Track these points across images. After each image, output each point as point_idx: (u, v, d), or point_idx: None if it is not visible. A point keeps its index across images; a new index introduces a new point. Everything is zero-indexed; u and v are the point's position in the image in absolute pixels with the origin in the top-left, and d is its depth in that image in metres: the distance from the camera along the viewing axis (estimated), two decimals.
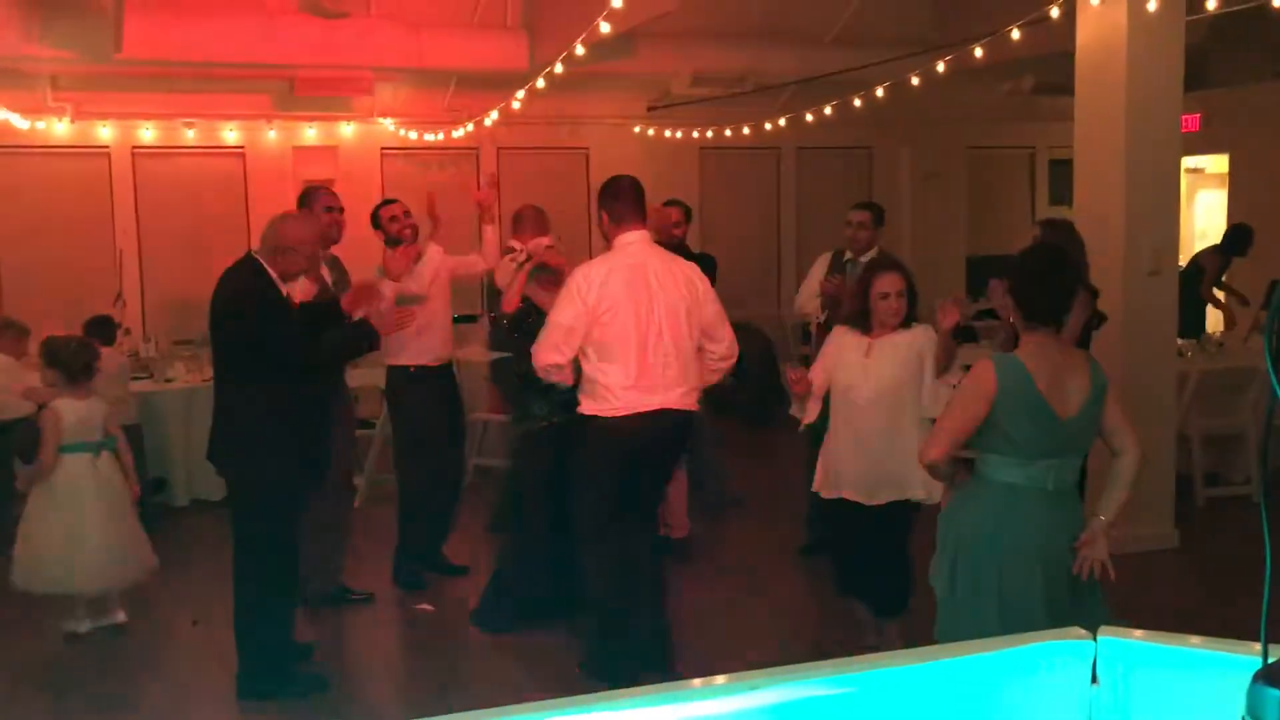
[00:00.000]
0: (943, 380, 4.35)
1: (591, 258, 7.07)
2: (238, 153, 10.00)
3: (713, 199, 11.28)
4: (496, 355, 6.76)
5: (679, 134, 10.99)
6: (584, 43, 6.67)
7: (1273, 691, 1.10)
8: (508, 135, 10.44)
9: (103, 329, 6.99)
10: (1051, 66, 8.06)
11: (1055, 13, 6.22)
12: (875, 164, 12.33)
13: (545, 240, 5.71)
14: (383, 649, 5.33)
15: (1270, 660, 1.15)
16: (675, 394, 4.48)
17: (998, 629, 3.14)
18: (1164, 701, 1.51)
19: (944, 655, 1.53)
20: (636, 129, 11.07)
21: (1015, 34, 6.68)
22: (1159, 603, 5.58)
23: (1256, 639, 1.18)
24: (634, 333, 4.41)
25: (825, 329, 5.43)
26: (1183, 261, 8.06)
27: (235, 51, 8.42)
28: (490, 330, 7.10)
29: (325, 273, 5.40)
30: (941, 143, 12.08)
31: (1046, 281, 3.43)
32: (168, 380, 7.72)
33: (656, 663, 4.56)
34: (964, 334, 4.31)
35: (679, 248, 5.98)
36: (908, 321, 4.42)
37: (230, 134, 9.95)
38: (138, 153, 9.77)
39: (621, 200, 4.61)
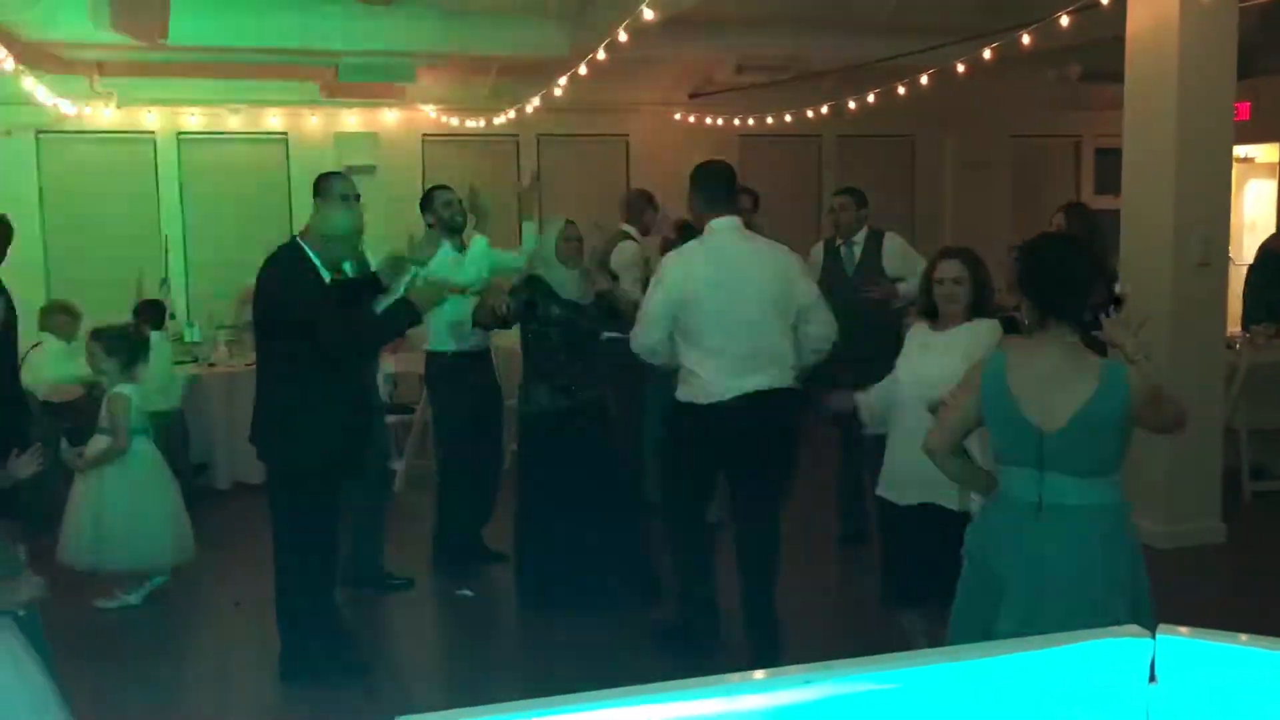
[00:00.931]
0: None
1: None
2: (281, 138, 10.06)
3: (752, 187, 11.20)
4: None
5: (719, 121, 10.93)
6: (626, 29, 6.64)
7: None
8: (549, 122, 10.42)
9: (153, 312, 7.09)
10: (1099, 53, 7.94)
11: None
12: (917, 153, 12.21)
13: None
14: (422, 634, 5.35)
15: None
16: (767, 376, 4.44)
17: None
18: (1224, 701, 1.48)
19: (995, 652, 1.51)
20: (677, 116, 11.02)
21: (1064, 20, 6.58)
22: (1207, 599, 5.51)
23: None
24: (722, 318, 4.41)
25: None
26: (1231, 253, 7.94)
27: (278, 38, 8.47)
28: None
29: None
30: (985, 131, 11.94)
31: (1057, 273, 3.08)
32: (211, 364, 7.79)
33: (764, 656, 4.57)
34: (1008, 324, 4.16)
35: None
36: (978, 313, 4.10)
37: (273, 120, 10.00)
38: (183, 139, 9.85)
39: (713, 185, 4.59)
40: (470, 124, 10.30)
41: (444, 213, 5.86)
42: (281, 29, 8.42)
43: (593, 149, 10.99)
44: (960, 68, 7.96)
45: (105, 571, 5.32)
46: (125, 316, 6.78)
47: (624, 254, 6.58)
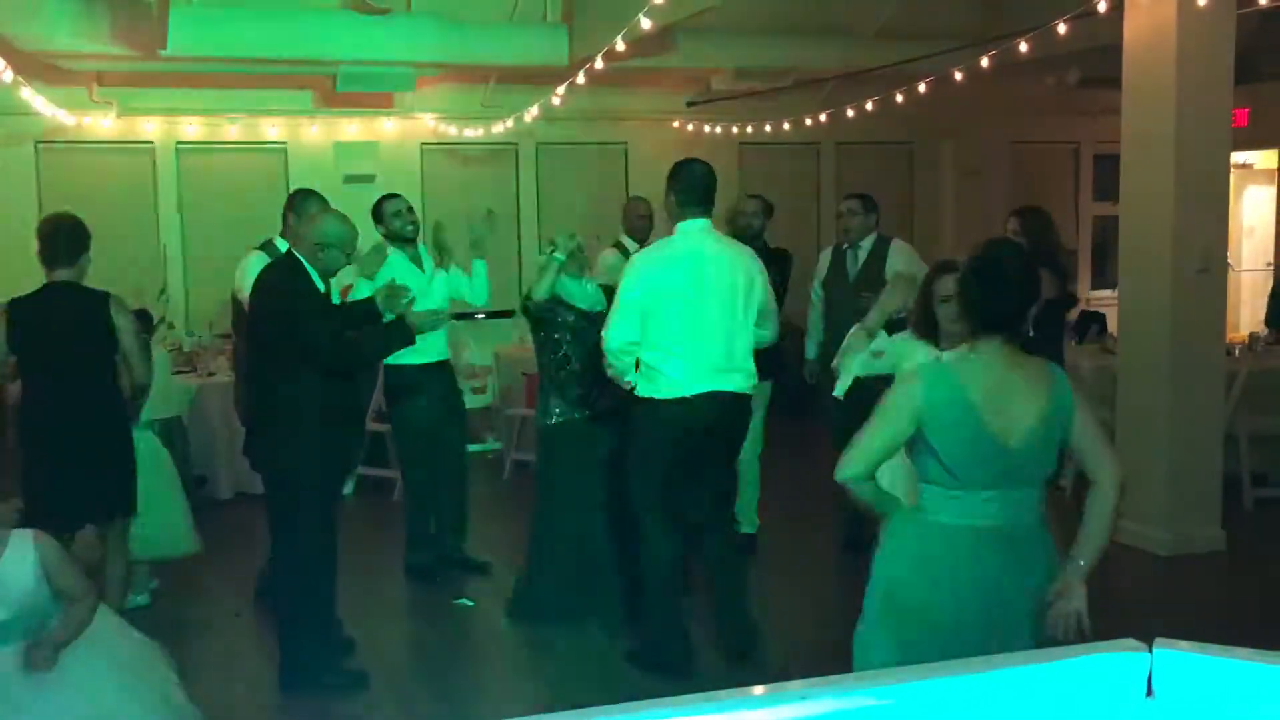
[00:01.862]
0: None
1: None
2: (279, 148, 10.06)
3: (759, 194, 11.21)
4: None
5: (718, 129, 10.94)
6: (624, 38, 6.65)
7: None
8: (547, 131, 10.43)
9: (140, 323, 7.05)
10: (1098, 59, 7.95)
11: (1102, 6, 6.13)
12: (916, 160, 12.22)
13: None
14: (422, 644, 5.34)
15: None
16: (728, 377, 4.51)
17: None
18: (1222, 715, 1.47)
19: (993, 666, 1.51)
20: (675, 124, 11.04)
21: (1062, 27, 6.59)
22: (1207, 608, 5.50)
23: None
24: (686, 316, 4.45)
25: None
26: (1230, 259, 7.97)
27: (276, 48, 8.48)
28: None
29: None
30: (984, 138, 11.94)
31: (999, 285, 2.92)
32: (210, 374, 7.79)
33: (743, 656, 4.63)
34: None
35: (756, 240, 6.03)
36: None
37: (272, 129, 10.01)
38: (181, 148, 9.85)
39: (689, 186, 4.61)
40: (469, 133, 10.31)
41: (394, 223, 5.82)
42: (280, 38, 8.42)
43: (591, 157, 11.00)
44: (959, 75, 7.97)
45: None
46: None
47: (605, 264, 6.45)
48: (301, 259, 4.47)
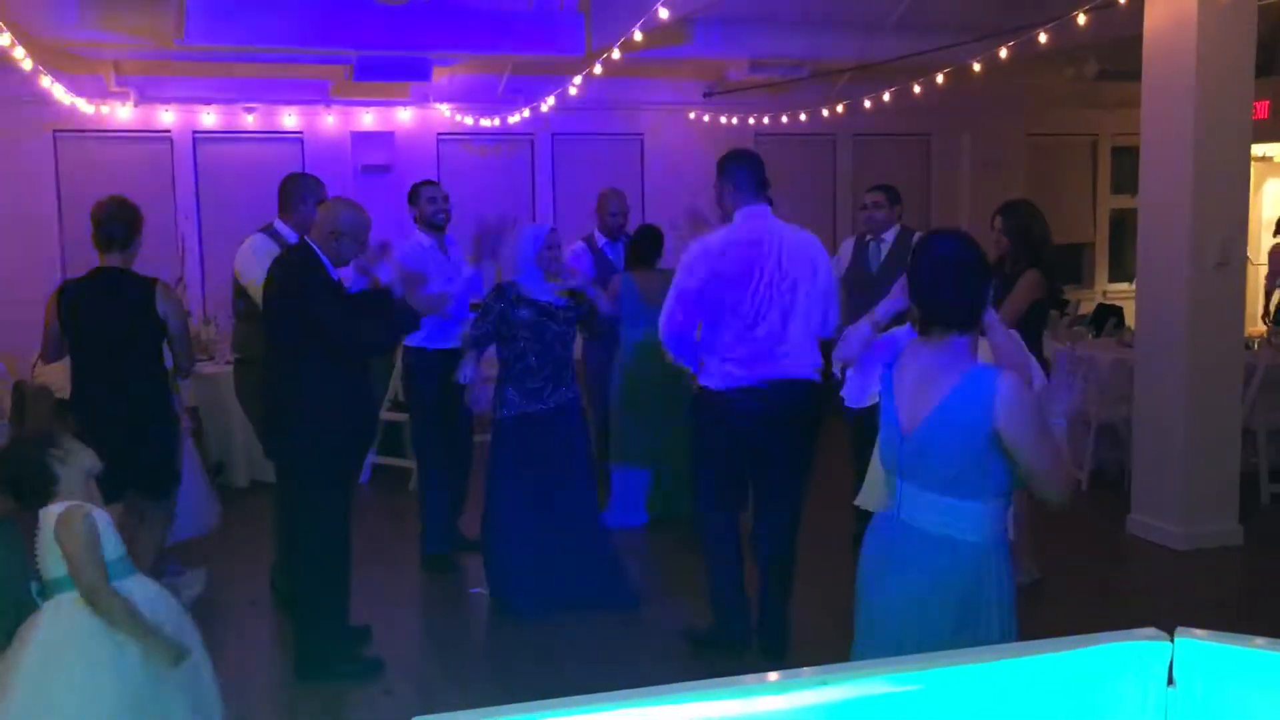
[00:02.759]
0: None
1: None
2: (296, 137, 10.09)
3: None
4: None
5: (734, 120, 10.93)
6: (641, 28, 6.64)
7: None
8: (563, 121, 10.44)
9: None
10: (1117, 51, 7.91)
11: None
12: (933, 152, 12.18)
13: None
14: (438, 631, 5.35)
15: None
16: (790, 365, 4.42)
17: None
18: (1242, 704, 1.47)
19: (1013, 654, 1.50)
20: (691, 115, 11.02)
21: (1081, 19, 6.56)
22: (1227, 601, 5.48)
23: None
24: (746, 305, 4.39)
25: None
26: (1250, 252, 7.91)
27: (294, 37, 8.50)
28: None
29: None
30: (1002, 130, 11.90)
31: (942, 276, 2.82)
32: (227, 362, 7.80)
33: (776, 656, 4.61)
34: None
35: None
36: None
37: (289, 119, 10.04)
38: (199, 137, 9.89)
39: (745, 173, 4.56)
40: (485, 123, 10.32)
41: (428, 208, 5.93)
42: (297, 28, 8.45)
43: (608, 148, 10.99)
44: (977, 66, 7.94)
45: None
46: None
47: None
48: (314, 246, 4.48)
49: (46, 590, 3.23)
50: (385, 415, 7.45)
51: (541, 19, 9.20)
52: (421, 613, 5.57)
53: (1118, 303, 10.63)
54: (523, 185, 10.76)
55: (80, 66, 8.87)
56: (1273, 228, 11.97)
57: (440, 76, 9.73)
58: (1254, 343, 7.50)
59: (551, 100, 9.43)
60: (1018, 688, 1.45)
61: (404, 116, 10.28)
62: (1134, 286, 6.85)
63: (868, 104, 9.62)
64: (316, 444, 4.46)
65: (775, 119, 10.76)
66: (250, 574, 5.76)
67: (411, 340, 5.79)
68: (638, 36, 6.76)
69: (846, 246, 6.46)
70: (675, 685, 1.23)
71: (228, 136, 9.93)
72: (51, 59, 8.13)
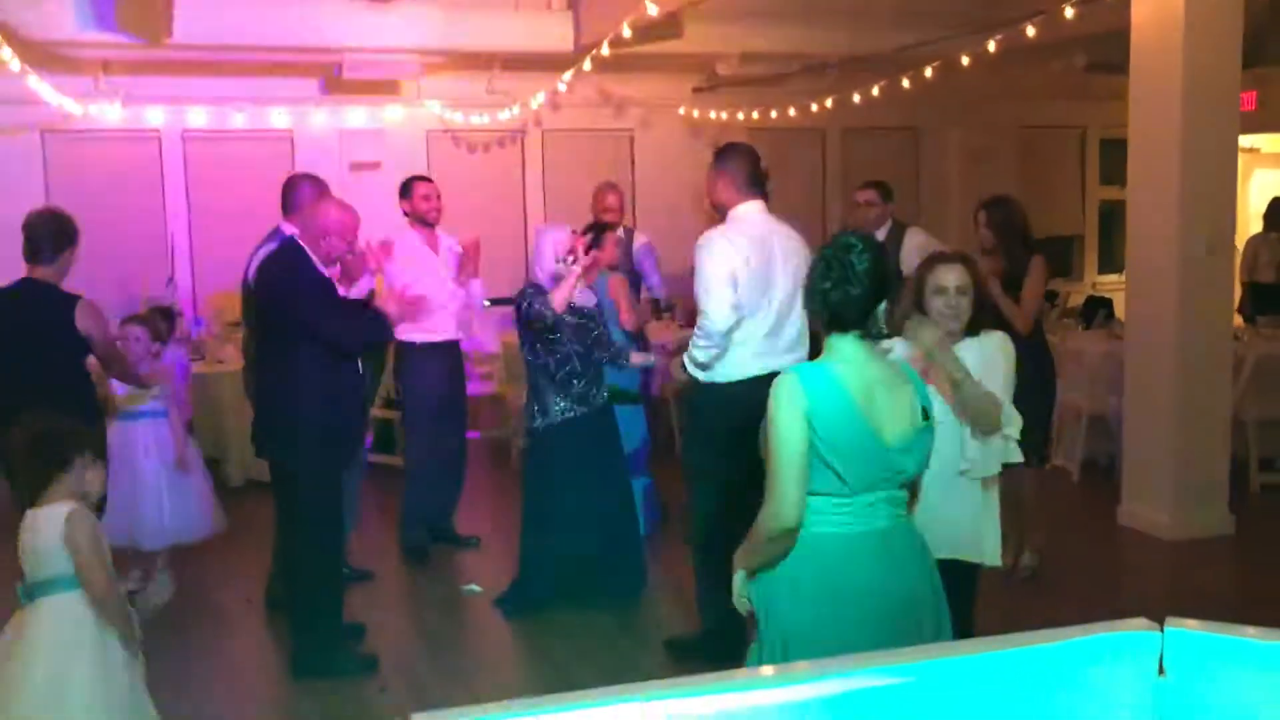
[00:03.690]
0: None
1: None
2: (285, 136, 10.07)
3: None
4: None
5: (724, 115, 10.92)
6: (630, 24, 6.64)
7: None
8: (553, 118, 10.43)
9: (165, 321, 6.94)
10: (1105, 44, 7.93)
11: None
12: (921, 145, 12.20)
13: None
14: (431, 629, 5.36)
15: None
16: (793, 359, 4.38)
17: None
18: (1231, 693, 1.48)
19: (1006, 645, 1.52)
20: (681, 110, 11.02)
21: (1069, 12, 6.57)
22: (1217, 591, 5.50)
23: None
24: (758, 297, 4.36)
25: None
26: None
27: (282, 36, 8.49)
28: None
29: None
30: (991, 123, 11.91)
31: (849, 279, 2.74)
32: (219, 362, 7.81)
33: None
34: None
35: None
36: (975, 328, 3.59)
37: (279, 117, 10.01)
38: (188, 136, 9.86)
39: (742, 168, 4.50)
40: (475, 120, 10.30)
41: (421, 204, 5.96)
42: (285, 26, 8.43)
43: (597, 144, 10.99)
44: (965, 60, 7.95)
45: (144, 550, 5.38)
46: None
47: None
48: (303, 245, 4.49)
49: (33, 591, 3.20)
50: (377, 413, 7.45)
51: (530, 15, 9.20)
52: (414, 610, 5.58)
53: (1108, 294, 10.66)
54: (513, 181, 10.74)
55: (68, 67, 8.84)
56: (1260, 220, 12.01)
57: (429, 73, 9.72)
58: (1243, 333, 7.52)
59: (541, 96, 9.42)
60: (1010, 678, 1.47)
61: (393, 114, 10.26)
62: (1124, 278, 6.86)
63: (857, 98, 9.63)
64: (308, 440, 4.46)
65: (765, 113, 10.76)
66: (245, 573, 5.77)
67: (403, 335, 5.78)
68: (627, 32, 6.76)
69: None
70: (671, 680, 1.24)
71: (217, 135, 9.90)
72: (39, 60, 8.09)
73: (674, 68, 10.40)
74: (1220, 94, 6.05)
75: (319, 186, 5.34)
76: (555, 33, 9.01)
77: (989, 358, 3.51)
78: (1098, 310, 9.09)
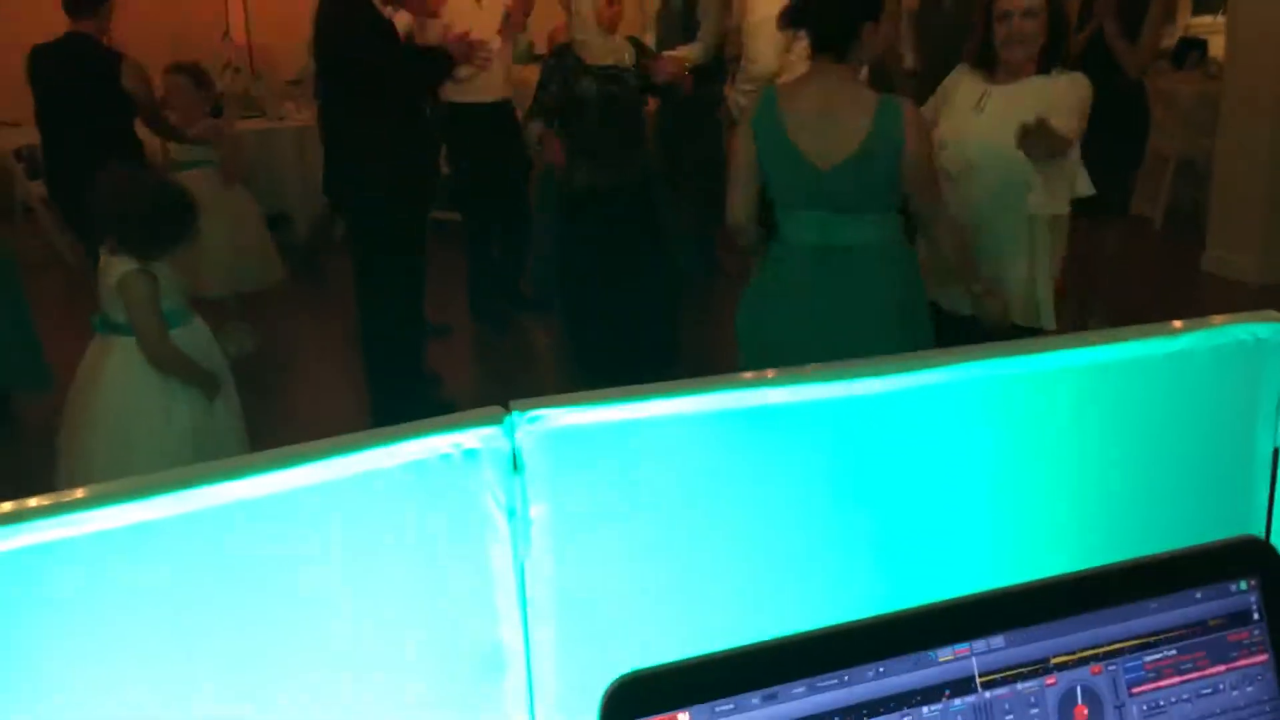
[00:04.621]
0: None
1: None
2: None
3: None
4: None
5: None
6: None
7: None
8: None
9: (202, 88, 6.56)
10: None
11: None
12: None
13: None
14: (503, 379, 5.41)
15: None
16: None
17: None
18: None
19: (1123, 338, 1.41)
20: None
21: None
22: None
23: None
24: None
25: None
26: None
27: None
28: None
29: None
30: None
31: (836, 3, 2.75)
32: (280, 118, 7.69)
33: None
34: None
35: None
36: (1049, 64, 3.15)
37: None
38: None
39: None
40: None
41: None
42: None
43: None
44: None
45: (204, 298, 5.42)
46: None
47: None
48: None
49: (108, 327, 3.24)
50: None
51: None
52: (493, 366, 5.59)
53: (1202, 35, 10.05)
54: None
55: None
56: None
57: None
58: None
59: None
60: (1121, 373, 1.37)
61: None
62: (1220, 19, 6.42)
63: None
64: (380, 191, 4.34)
65: None
66: (318, 329, 5.81)
67: (450, 95, 5.49)
68: None
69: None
70: (676, 381, 1.14)
71: None
72: None
73: None
74: None
75: None
76: None
77: (1059, 97, 3.06)
78: (1189, 51, 8.60)
